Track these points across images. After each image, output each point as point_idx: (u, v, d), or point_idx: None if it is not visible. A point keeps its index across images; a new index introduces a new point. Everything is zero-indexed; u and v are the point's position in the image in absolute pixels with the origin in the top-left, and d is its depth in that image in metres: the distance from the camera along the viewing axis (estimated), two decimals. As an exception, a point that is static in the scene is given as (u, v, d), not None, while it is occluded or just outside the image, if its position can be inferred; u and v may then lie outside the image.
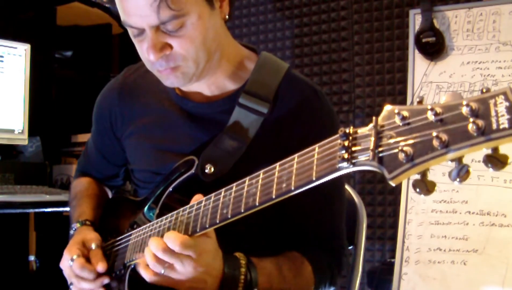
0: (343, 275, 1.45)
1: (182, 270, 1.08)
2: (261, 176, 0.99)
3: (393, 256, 2.77)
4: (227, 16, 1.29)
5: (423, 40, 2.75)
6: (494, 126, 0.66)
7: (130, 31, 1.24)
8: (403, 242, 2.71)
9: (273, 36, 3.49)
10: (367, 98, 3.17)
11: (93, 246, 1.34)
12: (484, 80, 2.65)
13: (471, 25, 2.72)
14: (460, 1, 2.83)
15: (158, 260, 1.08)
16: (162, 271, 1.09)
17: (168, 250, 1.06)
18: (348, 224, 1.45)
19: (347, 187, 1.69)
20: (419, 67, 2.82)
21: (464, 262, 2.54)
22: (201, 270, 1.08)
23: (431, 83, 2.77)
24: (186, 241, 1.06)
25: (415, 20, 2.83)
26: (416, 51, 2.81)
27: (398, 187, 2.86)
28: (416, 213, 2.70)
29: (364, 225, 1.72)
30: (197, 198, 1.15)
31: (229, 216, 1.03)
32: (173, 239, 1.05)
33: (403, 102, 2.97)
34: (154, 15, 1.15)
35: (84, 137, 3.14)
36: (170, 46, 1.21)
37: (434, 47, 2.74)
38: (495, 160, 0.67)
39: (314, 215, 1.35)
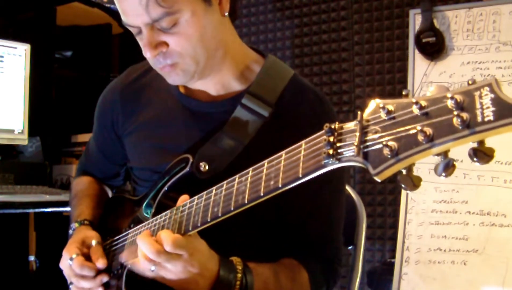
0: (343, 275, 1.45)
1: (173, 269, 1.08)
2: (250, 173, 0.99)
3: (393, 256, 2.76)
4: (226, 13, 1.27)
5: (423, 40, 2.74)
6: (479, 118, 0.65)
7: (131, 30, 1.26)
8: (403, 242, 2.70)
9: (273, 36, 3.49)
10: (367, 98, 3.16)
11: (93, 243, 1.35)
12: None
13: (471, 25, 2.71)
14: (460, 1, 2.82)
15: (149, 259, 1.08)
16: (153, 269, 1.08)
17: (160, 252, 1.06)
18: (348, 224, 1.44)
19: (347, 187, 1.68)
20: (419, 67, 2.81)
21: (464, 262, 2.53)
22: (193, 271, 1.08)
23: (431, 83, 2.76)
24: (178, 240, 1.05)
25: (415, 20, 2.82)
26: (416, 51, 2.80)
27: (398, 187, 2.84)
28: (416, 213, 2.70)
29: (364, 225, 1.72)
30: (183, 199, 1.15)
31: (220, 214, 1.03)
32: (165, 238, 1.05)
33: (403, 102, 2.96)
34: (145, 13, 1.16)
35: (84, 137, 3.14)
36: (167, 44, 1.21)
37: (434, 47, 2.73)
38: (481, 154, 0.66)
39: (313, 223, 1.34)
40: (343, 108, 3.22)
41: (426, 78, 2.78)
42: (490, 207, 2.54)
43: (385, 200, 3.06)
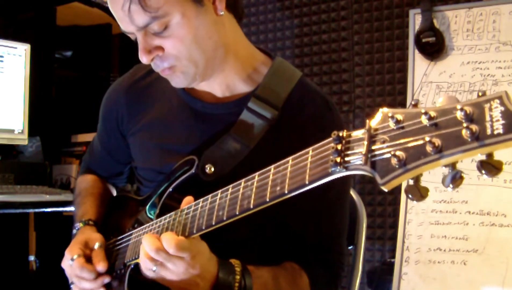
0: (343, 276, 1.45)
1: (174, 270, 1.08)
2: (256, 178, 0.98)
3: (393, 256, 2.77)
4: (221, 12, 1.24)
5: (423, 40, 2.75)
6: (489, 131, 0.64)
7: (130, 37, 1.25)
8: (403, 242, 2.71)
9: (273, 36, 3.49)
10: (367, 98, 3.17)
11: (96, 245, 1.34)
12: (484, 80, 2.65)
13: (471, 25, 2.72)
14: (460, 1, 2.82)
15: (151, 258, 1.08)
16: (154, 268, 1.09)
17: (161, 250, 1.06)
18: (348, 224, 1.44)
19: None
20: (419, 67, 2.82)
21: (464, 262, 2.54)
22: (194, 272, 1.08)
23: (431, 83, 2.77)
24: (182, 243, 1.05)
25: (415, 20, 2.83)
26: (416, 51, 2.81)
27: (398, 187, 2.84)
28: (416, 213, 2.70)
29: (364, 225, 1.71)
30: (188, 200, 1.15)
31: (224, 218, 1.02)
32: (168, 241, 1.05)
33: (403, 102, 2.97)
34: (129, 20, 1.16)
35: (84, 137, 3.13)
36: (162, 48, 1.21)
37: (434, 47, 2.74)
38: (490, 166, 0.66)
39: (315, 227, 1.33)
40: (343, 108, 3.22)
41: (426, 78, 2.78)
42: (490, 207, 2.54)
43: (385, 200, 3.07)
